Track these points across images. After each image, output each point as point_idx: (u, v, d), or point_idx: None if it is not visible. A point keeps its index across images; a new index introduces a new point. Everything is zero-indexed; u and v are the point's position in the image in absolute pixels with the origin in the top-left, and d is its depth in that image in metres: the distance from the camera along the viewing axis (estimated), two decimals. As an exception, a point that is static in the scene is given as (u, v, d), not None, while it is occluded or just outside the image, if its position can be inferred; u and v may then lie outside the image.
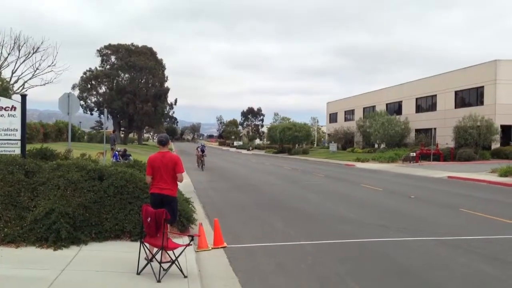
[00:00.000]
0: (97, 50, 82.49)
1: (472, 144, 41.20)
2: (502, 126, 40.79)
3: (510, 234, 10.79)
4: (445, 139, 45.99)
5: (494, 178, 25.16)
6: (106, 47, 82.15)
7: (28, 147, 12.01)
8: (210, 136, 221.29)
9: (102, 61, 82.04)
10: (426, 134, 49.54)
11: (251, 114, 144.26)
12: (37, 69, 22.45)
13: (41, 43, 21.50)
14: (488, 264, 8.24)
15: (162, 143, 7.89)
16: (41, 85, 22.69)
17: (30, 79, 22.64)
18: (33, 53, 22.46)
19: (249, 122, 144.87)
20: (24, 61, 27.85)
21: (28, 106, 13.36)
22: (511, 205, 16.19)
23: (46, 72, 21.90)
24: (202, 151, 32.92)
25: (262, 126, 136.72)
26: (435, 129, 49.87)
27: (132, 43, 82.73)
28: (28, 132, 32.13)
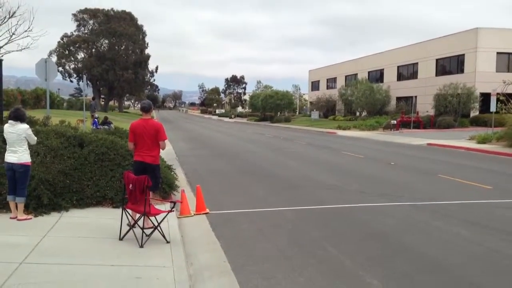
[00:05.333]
0: (73, 14, 79.18)
1: (451, 112, 41.73)
2: (482, 94, 41.25)
3: (486, 199, 11.06)
4: (425, 107, 46.42)
5: (472, 145, 25.61)
6: (82, 11, 79.16)
7: (5, 114, 11.77)
8: (192, 104, 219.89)
9: (78, 25, 79.56)
10: (407, 102, 49.91)
11: (234, 82, 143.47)
12: (13, 34, 21.82)
13: (17, 7, 20.88)
14: (464, 228, 8.45)
15: (145, 109, 7.83)
16: (17, 50, 22.12)
17: (6, 44, 22.02)
18: (9, 17, 21.76)
19: (232, 90, 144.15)
20: (-1, 26, 26.92)
21: (4, 72, 13.06)
22: (488, 171, 16.55)
23: (22, 37, 21.32)
24: None
25: (245, 94, 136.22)
26: (415, 97, 50.21)
27: (112, 8, 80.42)
28: (5, 98, 31.51)
